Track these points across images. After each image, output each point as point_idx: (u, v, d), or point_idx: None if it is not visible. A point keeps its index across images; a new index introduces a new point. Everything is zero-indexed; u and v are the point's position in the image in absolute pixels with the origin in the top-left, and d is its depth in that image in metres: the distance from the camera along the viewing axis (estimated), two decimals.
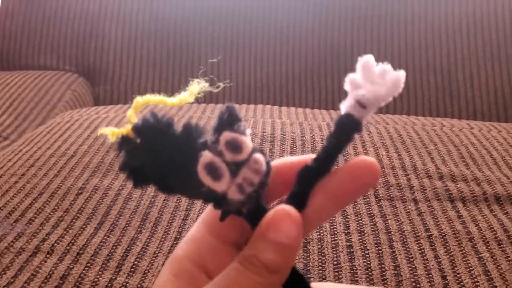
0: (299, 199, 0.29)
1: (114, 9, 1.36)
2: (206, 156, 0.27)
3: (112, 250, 0.53)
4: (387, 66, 0.28)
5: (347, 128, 0.28)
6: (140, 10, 1.35)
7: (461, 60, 1.26)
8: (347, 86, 0.28)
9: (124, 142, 0.27)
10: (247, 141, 0.28)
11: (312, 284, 0.30)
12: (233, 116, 0.28)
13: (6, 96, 1.20)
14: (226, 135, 0.28)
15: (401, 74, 0.27)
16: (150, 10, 1.34)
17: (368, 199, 0.64)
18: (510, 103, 1.23)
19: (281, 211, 0.28)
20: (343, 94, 1.06)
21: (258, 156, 0.28)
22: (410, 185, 0.67)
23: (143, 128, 0.27)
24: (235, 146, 0.28)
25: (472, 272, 0.51)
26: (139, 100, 0.29)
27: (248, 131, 0.28)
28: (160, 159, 0.28)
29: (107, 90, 1.34)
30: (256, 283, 0.27)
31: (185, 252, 0.30)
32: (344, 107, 0.28)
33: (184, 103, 0.30)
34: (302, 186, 0.29)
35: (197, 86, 0.30)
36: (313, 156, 0.29)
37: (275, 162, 0.30)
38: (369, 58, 0.28)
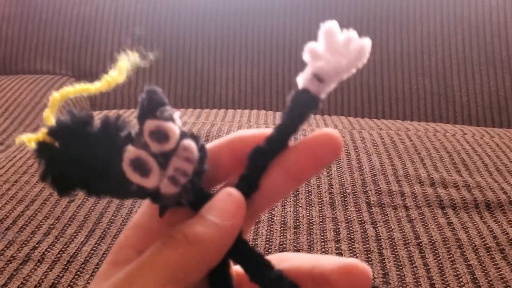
0: (249, 182, 0.27)
1: (110, 14, 1.37)
2: (130, 151, 0.25)
3: (102, 259, 0.53)
4: (352, 33, 0.25)
5: (302, 105, 0.26)
6: (137, 14, 1.35)
7: (456, 65, 1.26)
8: (306, 57, 0.25)
9: (42, 148, 0.25)
10: (173, 127, 0.25)
11: (273, 255, 0.28)
12: (154, 101, 0.26)
13: (2, 101, 1.21)
14: (149, 124, 0.25)
15: (366, 42, 0.25)
16: (146, 15, 1.34)
17: (359, 206, 0.64)
18: (505, 108, 1.24)
19: (223, 193, 0.26)
20: (339, 99, 1.06)
21: (187, 142, 0.25)
22: (401, 192, 0.67)
23: (59, 130, 0.25)
24: (160, 135, 0.25)
25: (461, 279, 0.51)
26: (55, 95, 0.26)
27: (177, 114, 0.26)
28: (81, 161, 0.25)
29: (103, 95, 1.34)
30: (177, 258, 0.25)
31: (127, 239, 0.28)
32: (301, 80, 0.26)
33: (113, 84, 0.27)
34: (253, 169, 0.27)
35: (125, 61, 0.28)
36: (269, 130, 0.27)
37: (227, 137, 0.27)
38: (332, 25, 0.25)
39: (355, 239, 0.58)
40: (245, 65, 1.33)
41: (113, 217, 0.60)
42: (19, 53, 1.40)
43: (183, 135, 0.26)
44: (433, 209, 0.64)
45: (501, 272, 0.52)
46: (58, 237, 0.57)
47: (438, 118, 1.24)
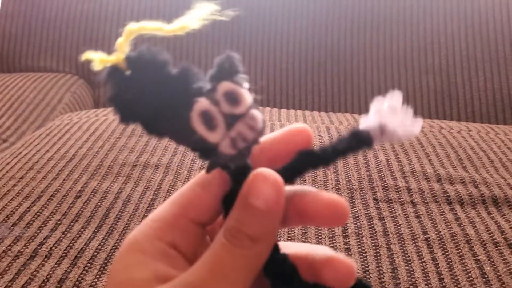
0: (290, 173, 0.28)
1: (114, 12, 1.36)
2: (203, 103, 0.26)
3: (110, 254, 0.53)
4: (410, 109, 0.28)
5: (360, 141, 0.28)
6: (140, 12, 1.35)
7: (460, 63, 1.26)
8: (373, 108, 0.28)
9: (113, 72, 0.26)
10: (246, 95, 0.27)
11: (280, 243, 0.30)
12: (234, 67, 0.27)
13: (6, 98, 1.21)
14: (226, 85, 0.26)
15: (420, 122, 0.28)
16: (150, 13, 1.34)
17: (366, 202, 0.64)
18: (508, 105, 1.24)
19: (259, 174, 0.27)
20: (342, 96, 1.06)
21: (255, 112, 0.27)
22: (408, 188, 0.67)
23: (138, 61, 0.26)
24: (233, 98, 0.26)
25: (469, 274, 0.51)
26: (132, 27, 0.27)
27: (247, 85, 0.27)
28: (151, 97, 0.25)
29: (105, 94, 1.34)
30: (242, 256, 0.27)
31: (155, 231, 0.28)
32: (365, 123, 0.28)
33: (186, 30, 0.27)
34: (298, 165, 0.28)
35: (202, 10, 0.28)
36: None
37: (285, 129, 0.29)
38: (399, 95, 0.28)
39: (363, 234, 0.58)
40: (248, 64, 1.33)
41: (120, 213, 0.60)
42: (23, 51, 1.40)
43: (253, 105, 0.27)
44: (440, 204, 0.64)
45: (510, 267, 0.52)
46: (65, 232, 0.57)
47: (442, 116, 1.24)
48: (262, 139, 0.29)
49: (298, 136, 0.29)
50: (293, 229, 0.58)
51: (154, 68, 0.26)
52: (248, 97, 0.27)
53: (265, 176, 0.27)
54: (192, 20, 0.28)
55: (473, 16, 1.28)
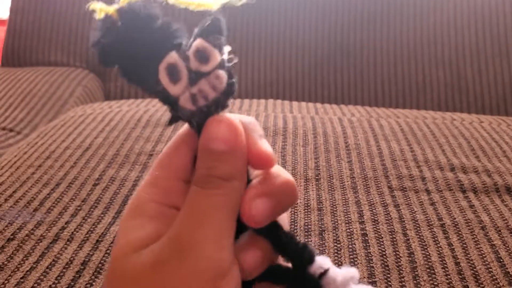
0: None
1: None
2: (171, 56, 0.27)
3: None
4: None
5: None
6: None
7: (470, 56, 1.27)
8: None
9: (106, 20, 0.27)
10: (216, 55, 0.27)
11: None
12: (214, 27, 0.28)
13: (18, 92, 1.22)
14: (198, 42, 0.27)
15: None
16: (159, 5, 1.35)
17: (381, 190, 0.65)
18: None
19: (212, 119, 0.28)
20: (353, 89, 1.07)
21: (220, 73, 0.27)
22: (422, 176, 0.68)
23: (127, 13, 0.27)
24: (202, 56, 0.27)
25: (485, 259, 0.52)
26: None
27: (226, 48, 0.28)
28: (132, 46, 0.27)
29: (118, 86, 1.35)
30: (218, 196, 0.28)
31: (152, 196, 0.29)
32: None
33: (201, 7, 0.29)
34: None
35: None
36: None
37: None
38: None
39: (379, 220, 0.58)
40: (258, 57, 1.34)
41: None
42: (34, 45, 1.41)
43: (222, 65, 0.28)
44: (454, 192, 0.64)
45: None
46: (86, 218, 0.57)
47: (452, 109, 1.24)
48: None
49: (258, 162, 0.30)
50: (309, 216, 0.59)
51: (140, 20, 0.27)
52: (217, 57, 0.27)
53: (219, 119, 0.28)
54: (211, 1, 0.29)
55: (483, 9, 1.28)
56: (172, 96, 0.28)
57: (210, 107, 0.28)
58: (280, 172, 0.30)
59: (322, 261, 0.30)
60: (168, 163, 0.30)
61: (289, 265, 0.31)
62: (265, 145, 0.30)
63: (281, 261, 0.31)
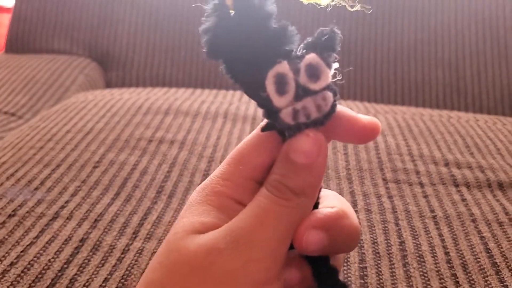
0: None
1: None
2: (283, 66, 0.26)
3: (128, 218, 0.55)
4: None
5: None
6: None
7: (469, 57, 1.28)
8: None
9: (218, 6, 0.26)
10: (328, 75, 0.27)
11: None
12: (331, 42, 0.27)
13: (21, 78, 1.23)
14: (312, 57, 0.26)
15: None
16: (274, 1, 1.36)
17: (375, 181, 0.66)
18: None
19: (301, 133, 0.28)
20: (352, 86, 1.08)
21: (328, 94, 0.27)
22: (416, 170, 0.69)
23: (244, 4, 0.26)
24: (314, 73, 0.26)
25: (474, 249, 0.53)
26: None
27: (335, 65, 0.27)
28: (242, 42, 0.26)
29: (119, 76, 1.36)
30: (285, 207, 0.28)
31: (224, 188, 0.30)
32: None
33: (309, 0, 0.28)
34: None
35: None
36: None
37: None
38: None
39: (372, 210, 0.60)
40: None
41: (137, 183, 0.62)
42: (38, 33, 1.42)
43: (330, 86, 0.27)
44: (447, 186, 0.66)
45: None
46: (85, 198, 0.59)
47: (450, 108, 1.26)
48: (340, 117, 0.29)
49: (371, 134, 0.31)
50: None
51: (255, 16, 0.26)
52: (328, 77, 0.27)
53: (307, 133, 0.28)
54: None
55: (483, 11, 1.29)
56: (274, 106, 0.27)
57: (308, 125, 0.27)
58: (349, 213, 0.31)
59: None
60: (247, 161, 0.30)
61: None
62: (365, 116, 0.30)
63: None
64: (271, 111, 0.28)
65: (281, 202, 0.28)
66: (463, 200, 0.63)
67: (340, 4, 0.29)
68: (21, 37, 1.42)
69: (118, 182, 0.62)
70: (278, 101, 0.27)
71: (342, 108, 0.30)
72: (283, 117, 0.27)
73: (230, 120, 0.81)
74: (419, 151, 0.74)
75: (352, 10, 0.29)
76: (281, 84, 0.26)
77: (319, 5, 0.29)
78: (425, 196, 0.63)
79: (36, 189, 0.60)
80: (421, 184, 0.66)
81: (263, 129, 0.29)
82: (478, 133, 0.82)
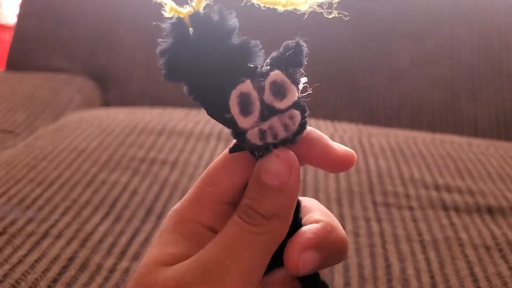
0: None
1: (127, 15, 1.39)
2: (246, 85, 0.25)
3: (117, 238, 0.56)
4: None
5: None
6: (155, 14, 1.38)
7: (465, 78, 1.28)
8: None
9: (177, 24, 0.25)
10: (294, 93, 0.25)
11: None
12: (296, 58, 0.26)
13: (20, 96, 1.24)
14: (276, 74, 0.25)
15: None
16: (163, 17, 1.37)
17: (365, 205, 0.66)
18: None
19: (270, 154, 0.27)
20: (348, 107, 1.09)
21: (295, 113, 0.26)
22: (406, 194, 0.70)
23: (202, 21, 0.25)
24: (279, 91, 0.25)
25: (459, 273, 0.53)
26: None
27: (302, 80, 0.26)
28: (204, 61, 0.25)
29: (117, 94, 1.37)
30: (256, 234, 0.27)
31: (194, 215, 0.29)
32: None
33: (290, 6, 0.26)
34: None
35: None
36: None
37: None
38: None
39: (360, 234, 0.60)
40: None
41: (128, 202, 0.63)
42: (38, 51, 1.43)
43: (298, 103, 0.26)
44: (436, 210, 0.66)
45: (498, 268, 0.54)
46: (75, 217, 0.59)
47: (446, 128, 1.26)
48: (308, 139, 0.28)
49: (342, 165, 0.29)
50: None
51: (215, 34, 0.25)
52: (294, 95, 0.26)
53: (276, 153, 0.27)
54: (302, 2, 0.26)
55: (479, 32, 1.30)
56: (239, 128, 0.26)
57: (277, 145, 0.26)
58: (335, 225, 0.30)
59: None
60: (217, 182, 0.29)
61: None
62: (341, 146, 0.29)
63: None
64: (238, 133, 0.27)
65: (253, 229, 0.27)
66: (452, 224, 0.63)
67: (318, 10, 0.27)
68: (22, 55, 1.44)
69: (109, 202, 0.63)
70: (243, 122, 0.26)
71: (317, 132, 0.29)
72: (250, 138, 0.26)
73: (223, 141, 0.81)
74: (410, 174, 0.75)
75: (329, 16, 0.27)
76: (245, 104, 0.25)
77: (298, 11, 0.27)
78: (414, 220, 0.64)
79: (27, 207, 0.60)
80: (411, 208, 0.66)
81: (231, 150, 0.28)
82: (470, 157, 0.83)
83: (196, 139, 0.81)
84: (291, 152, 0.27)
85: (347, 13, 0.27)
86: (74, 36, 1.41)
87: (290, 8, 0.27)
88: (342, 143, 0.83)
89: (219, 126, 0.87)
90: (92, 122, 0.88)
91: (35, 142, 0.81)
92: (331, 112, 1.31)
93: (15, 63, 1.43)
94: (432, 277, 0.53)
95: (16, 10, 1.48)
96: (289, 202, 0.28)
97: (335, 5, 0.27)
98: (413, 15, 1.33)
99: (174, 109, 1.01)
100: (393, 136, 0.92)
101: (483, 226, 0.63)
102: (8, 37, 1.53)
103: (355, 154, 0.29)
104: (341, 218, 0.63)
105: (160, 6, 0.26)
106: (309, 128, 0.29)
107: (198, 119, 0.92)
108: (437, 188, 0.72)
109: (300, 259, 0.28)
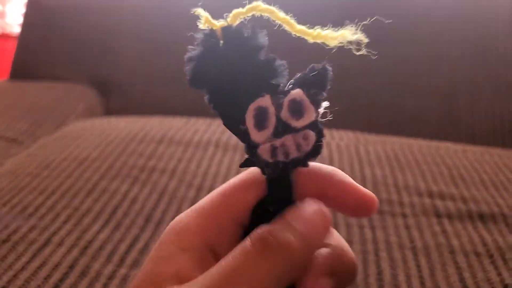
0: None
1: (130, 25, 1.41)
2: (264, 100, 0.25)
3: (117, 245, 0.58)
4: None
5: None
6: (157, 25, 1.40)
7: (463, 87, 1.30)
8: None
9: (209, 35, 0.25)
10: (312, 114, 0.26)
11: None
12: (320, 80, 0.26)
13: (23, 105, 1.26)
14: (297, 93, 0.25)
15: None
16: (166, 27, 1.39)
17: None
18: (509, 131, 1.27)
19: (319, 209, 0.27)
20: (346, 115, 1.10)
21: (310, 134, 0.26)
22: (400, 201, 0.71)
23: (233, 34, 0.25)
24: (297, 110, 0.25)
25: (449, 279, 0.55)
26: (254, 4, 0.26)
27: (324, 104, 0.26)
28: (230, 73, 0.25)
29: (118, 103, 1.38)
30: (270, 268, 0.25)
31: (195, 227, 0.28)
32: None
33: (315, 39, 0.27)
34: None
35: (348, 32, 0.27)
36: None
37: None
38: None
39: (353, 241, 0.62)
40: None
41: (127, 210, 0.64)
42: (41, 60, 1.45)
43: (313, 125, 0.26)
44: (429, 217, 0.68)
45: (488, 275, 0.56)
46: (76, 225, 0.61)
47: (444, 137, 1.27)
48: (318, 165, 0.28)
49: (359, 206, 0.29)
50: None
51: (244, 48, 0.25)
52: (311, 116, 0.26)
53: (321, 210, 0.27)
54: (330, 35, 0.27)
55: (476, 43, 1.32)
56: (251, 141, 0.26)
57: (287, 164, 0.26)
58: (345, 248, 0.30)
59: None
60: (229, 203, 0.28)
61: None
62: (365, 189, 0.29)
63: None
64: (250, 146, 0.26)
65: (267, 260, 0.25)
66: (443, 231, 0.65)
67: (347, 46, 0.28)
68: (26, 64, 1.46)
69: (109, 209, 0.64)
70: (256, 135, 0.26)
71: (345, 175, 0.30)
72: (261, 153, 0.26)
73: (221, 149, 0.83)
74: (404, 182, 0.76)
75: (357, 53, 0.28)
76: (261, 118, 0.25)
77: (327, 46, 0.28)
78: (407, 227, 0.65)
79: (30, 215, 0.62)
80: (404, 215, 0.68)
81: (242, 165, 0.28)
82: (464, 164, 0.84)
83: (195, 147, 0.83)
84: (324, 207, 0.27)
85: (375, 52, 0.28)
86: (77, 45, 1.43)
87: (319, 41, 0.28)
88: (339, 151, 0.86)
89: (217, 135, 0.89)
90: (93, 131, 0.90)
91: (38, 151, 0.83)
92: (333, 119, 1.32)
93: (19, 72, 1.46)
94: (422, 283, 0.55)
95: (20, 20, 1.50)
96: (314, 248, 0.27)
97: (364, 45, 0.28)
98: (412, 24, 1.34)
99: (173, 118, 1.03)
100: (390, 143, 0.94)
101: (474, 233, 0.65)
102: (12, 46, 1.55)
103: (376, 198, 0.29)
104: (335, 225, 0.64)
105: (164, 17, 0.27)
106: (331, 168, 0.29)
107: (197, 128, 0.93)
108: (430, 195, 0.73)
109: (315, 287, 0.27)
